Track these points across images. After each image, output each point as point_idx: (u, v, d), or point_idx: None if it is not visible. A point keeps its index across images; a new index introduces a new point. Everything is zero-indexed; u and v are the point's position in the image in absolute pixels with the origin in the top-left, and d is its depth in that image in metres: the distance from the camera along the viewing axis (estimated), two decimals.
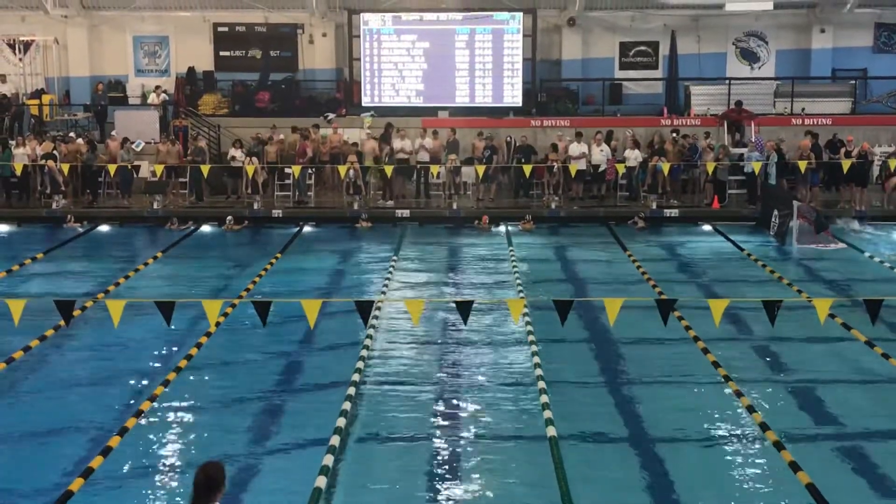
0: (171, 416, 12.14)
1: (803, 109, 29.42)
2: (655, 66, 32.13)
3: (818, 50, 31.71)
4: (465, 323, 12.58)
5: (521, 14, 30.15)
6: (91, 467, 10.22)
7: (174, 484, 10.23)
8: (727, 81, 30.47)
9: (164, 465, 10.78)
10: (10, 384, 13.28)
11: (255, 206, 25.89)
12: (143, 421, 11.74)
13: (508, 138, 27.83)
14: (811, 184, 26.32)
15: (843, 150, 26.29)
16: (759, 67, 32.17)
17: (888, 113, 30.08)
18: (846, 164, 25.69)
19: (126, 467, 10.56)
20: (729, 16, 31.59)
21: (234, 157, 26.70)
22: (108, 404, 12.49)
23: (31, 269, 20.26)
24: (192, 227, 24.75)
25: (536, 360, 13.86)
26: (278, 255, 21.49)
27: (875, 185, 26.87)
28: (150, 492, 10.09)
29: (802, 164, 25.71)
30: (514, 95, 30.18)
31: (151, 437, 11.44)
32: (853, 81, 31.05)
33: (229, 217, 24.96)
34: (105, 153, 27.00)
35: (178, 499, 9.64)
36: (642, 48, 32.27)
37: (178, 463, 10.80)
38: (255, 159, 26.20)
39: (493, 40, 30.09)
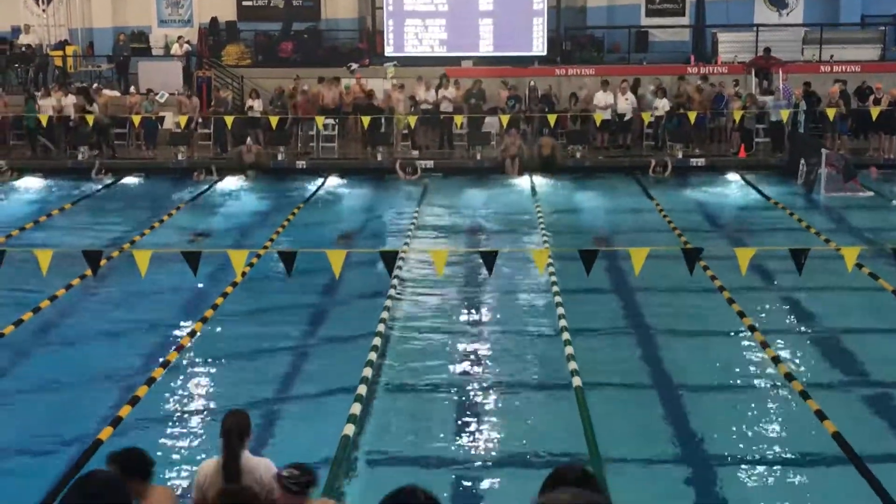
0: (197, 365, 12.26)
1: (832, 56, 29.02)
2: (682, 12, 31.66)
3: None
4: (490, 273, 12.56)
5: None
6: (120, 416, 10.33)
7: (201, 432, 10.35)
8: (755, 28, 30.05)
9: (190, 413, 10.90)
10: (38, 334, 13.42)
11: (279, 158, 25.90)
12: (169, 371, 11.84)
13: (531, 83, 27.69)
14: (839, 132, 26.07)
15: (871, 98, 26.00)
16: (788, 14, 31.67)
17: None
18: (875, 112, 25.44)
19: (154, 416, 10.69)
20: None
21: (251, 108, 26.71)
22: (135, 354, 12.62)
23: (58, 221, 20.37)
24: (217, 178, 24.78)
25: (561, 310, 13.84)
26: (301, 206, 21.52)
27: None
28: (177, 440, 10.21)
29: (831, 112, 25.49)
30: (538, 44, 29.88)
31: (178, 386, 11.57)
32: (883, 28, 30.55)
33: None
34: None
35: (205, 446, 9.75)
36: None
37: (204, 412, 10.92)
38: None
39: None
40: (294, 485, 5.90)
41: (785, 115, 25.57)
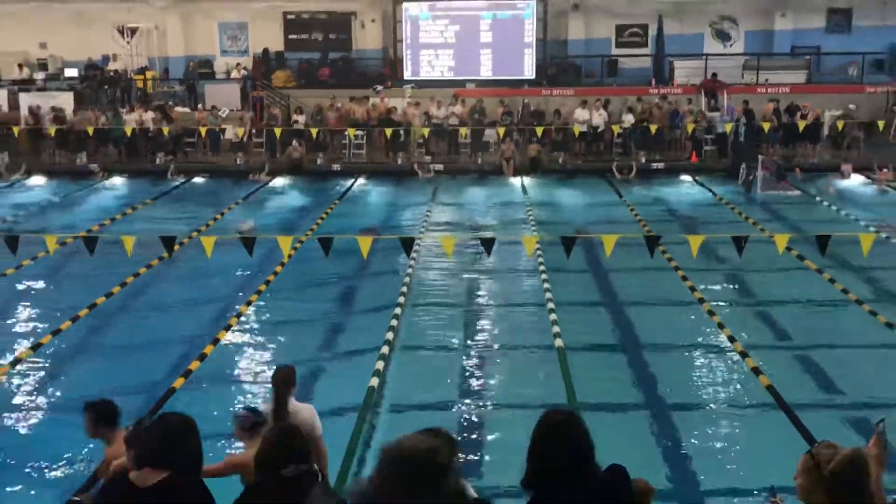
0: (253, 329, 12.28)
1: (767, 80, 28.84)
2: (645, 44, 31.50)
3: (780, 31, 31.01)
4: (489, 255, 12.56)
5: (535, 1, 29.64)
6: (190, 369, 10.38)
7: (255, 383, 10.37)
8: (704, 57, 29.87)
9: (246, 368, 10.93)
10: (123, 304, 13.46)
11: (318, 162, 25.86)
12: (230, 334, 11.88)
13: (525, 101, 27.70)
14: (772, 141, 26.01)
15: (798, 114, 25.92)
16: (731, 45, 31.48)
17: (837, 83, 29.44)
18: (801, 125, 25.41)
19: (218, 370, 10.72)
20: (706, 2, 30.95)
21: (296, 121, 26.69)
22: (202, 320, 12.64)
23: (140, 213, 20.38)
24: (269, 179, 24.76)
25: (546, 285, 13.83)
26: (336, 201, 21.50)
27: (824, 142, 26.47)
28: (235, 389, 10.26)
29: (766, 125, 25.49)
30: (528, 69, 29.77)
31: (237, 346, 11.60)
32: (808, 57, 30.39)
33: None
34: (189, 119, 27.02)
35: (258, 393, 9.77)
36: (635, 30, 31.64)
37: (257, 367, 10.93)
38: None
39: (512, 23, 29.64)
40: (243, 422, 6.18)
41: (728, 127, 25.51)
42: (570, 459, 3.76)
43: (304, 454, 4.50)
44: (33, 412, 9.74)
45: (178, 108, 28.04)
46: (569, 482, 3.73)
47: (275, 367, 6.91)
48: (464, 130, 26.45)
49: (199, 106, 27.91)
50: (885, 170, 23.82)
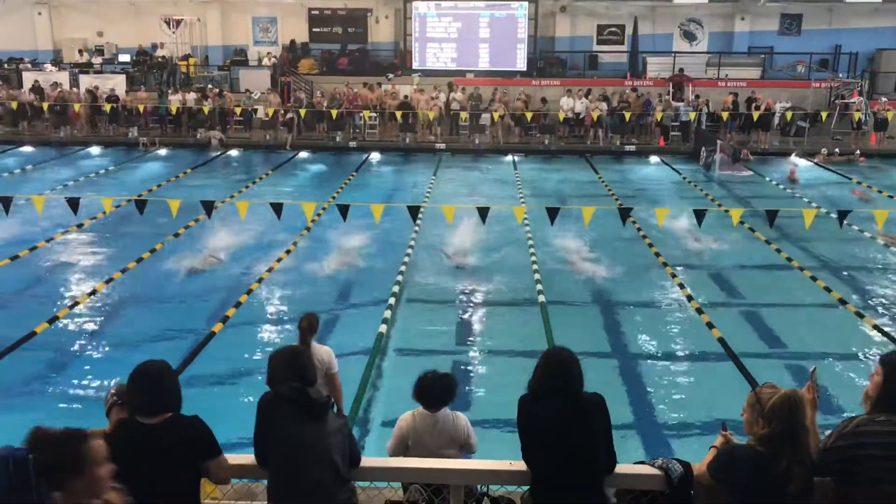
0: (281, 282, 12.30)
1: (727, 75, 28.65)
2: (622, 42, 31.19)
3: (739, 32, 30.72)
4: (484, 222, 12.51)
5: (527, 3, 29.34)
6: (227, 315, 10.41)
7: (283, 327, 10.41)
8: (673, 54, 29.64)
9: (276, 314, 10.97)
10: (168, 258, 13.42)
11: (337, 139, 25.70)
12: (262, 285, 11.90)
13: (521, 90, 27.55)
14: (729, 129, 25.87)
15: (753, 105, 25.75)
16: (696, 44, 31.18)
17: (787, 78, 29.23)
18: (756, 115, 25.23)
19: (251, 316, 10.76)
20: (676, 6, 30.60)
21: (319, 103, 26.46)
22: (238, 273, 12.67)
23: (183, 180, 20.32)
24: (295, 153, 24.64)
25: (532, 250, 13.85)
26: (353, 174, 21.41)
27: (775, 130, 26.34)
28: (265, 333, 10.30)
29: (724, 115, 25.33)
30: (520, 62, 29.53)
31: (268, 295, 11.63)
32: (763, 55, 30.15)
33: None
34: (220, 102, 26.74)
35: (284, 336, 9.81)
36: (613, 29, 31.32)
37: (283, 314, 10.97)
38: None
39: (507, 22, 29.35)
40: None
41: (692, 116, 25.37)
42: (562, 382, 4.15)
43: (308, 375, 4.28)
44: (87, 349, 9.79)
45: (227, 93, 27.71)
46: (557, 398, 4.10)
47: (299, 314, 6.93)
48: (464, 115, 26.26)
49: (225, 87, 27.57)
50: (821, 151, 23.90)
